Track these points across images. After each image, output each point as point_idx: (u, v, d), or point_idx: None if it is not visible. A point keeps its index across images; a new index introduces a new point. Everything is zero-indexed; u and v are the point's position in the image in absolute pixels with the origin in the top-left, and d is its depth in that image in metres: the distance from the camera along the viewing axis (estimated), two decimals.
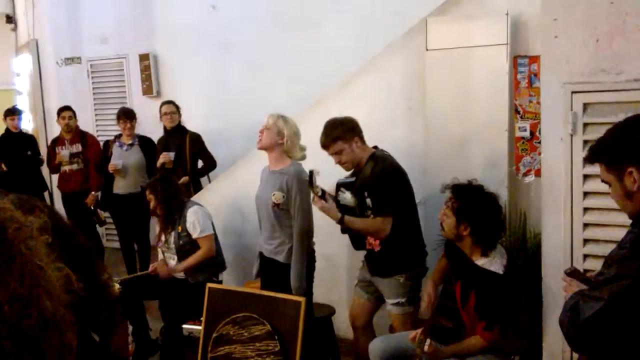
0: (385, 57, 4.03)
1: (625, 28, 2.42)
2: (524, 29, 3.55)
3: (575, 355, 2.54)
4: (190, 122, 5.35)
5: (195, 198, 4.39)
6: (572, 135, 2.56)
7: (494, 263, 2.70)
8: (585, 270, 2.32)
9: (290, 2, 5.61)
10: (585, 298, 1.74)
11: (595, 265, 2.33)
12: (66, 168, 5.52)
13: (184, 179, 4.87)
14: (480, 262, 2.73)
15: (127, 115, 5.21)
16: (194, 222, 3.83)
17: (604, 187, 1.89)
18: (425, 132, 3.81)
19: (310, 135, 3.29)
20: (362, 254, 3.34)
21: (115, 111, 5.38)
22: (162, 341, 3.81)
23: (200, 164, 5.13)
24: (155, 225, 4.12)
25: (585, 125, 2.54)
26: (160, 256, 4.11)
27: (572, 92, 2.54)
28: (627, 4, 2.42)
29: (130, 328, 3.88)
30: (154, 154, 5.08)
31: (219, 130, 5.85)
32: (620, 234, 1.86)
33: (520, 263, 3.18)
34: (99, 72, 6.78)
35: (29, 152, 6.09)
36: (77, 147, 5.53)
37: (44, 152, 6.19)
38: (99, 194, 5.44)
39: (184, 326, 3.94)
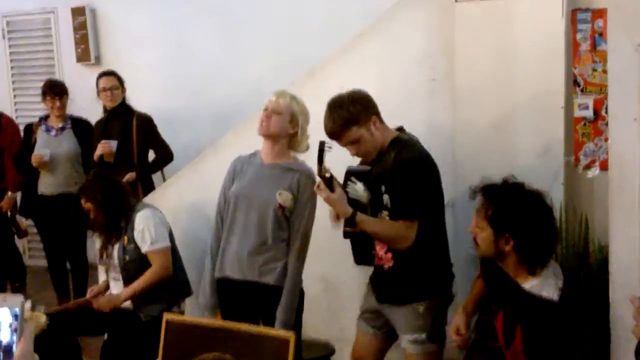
0: (400, 11, 4.03)
1: None
2: None
3: None
4: (140, 99, 5.33)
5: (147, 200, 4.38)
6: None
7: (545, 286, 2.69)
8: None
9: None
10: None
11: None
12: None
13: (129, 175, 4.86)
14: (528, 284, 2.72)
15: (55, 90, 5.18)
16: (143, 230, 3.82)
17: None
18: (453, 111, 3.81)
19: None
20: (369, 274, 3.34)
21: (40, 84, 5.36)
22: None
23: (151, 155, 5.13)
24: (95, 237, 4.11)
25: None
26: (102, 277, 4.09)
27: None
28: None
29: None
30: (92, 142, 5.07)
31: (178, 110, 5.85)
32: None
33: (580, 284, 3.19)
34: (18, 32, 6.75)
35: None
36: None
37: None
38: (18, 195, 5.41)
39: None
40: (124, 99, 5.12)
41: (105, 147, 4.91)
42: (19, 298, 1.35)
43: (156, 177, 5.21)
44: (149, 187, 4.99)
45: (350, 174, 3.14)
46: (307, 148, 3.40)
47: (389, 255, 3.11)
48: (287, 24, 5.56)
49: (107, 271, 4.01)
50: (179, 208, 4.48)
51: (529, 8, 3.59)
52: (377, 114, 3.12)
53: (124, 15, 6.26)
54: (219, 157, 4.26)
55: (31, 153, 5.10)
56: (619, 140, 2.67)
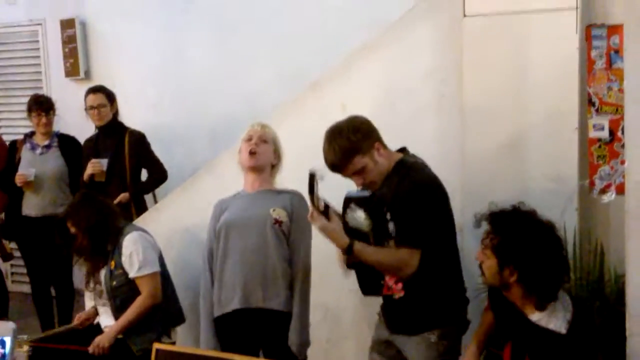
0: (408, 25, 4.04)
1: None
2: None
3: None
4: (133, 115, 5.37)
5: (138, 222, 4.39)
6: None
7: (553, 319, 2.71)
8: None
9: None
10: None
11: None
12: None
13: (122, 196, 4.86)
14: (535, 317, 2.74)
15: (42, 106, 5.21)
16: (130, 254, 3.82)
17: None
18: (462, 129, 3.81)
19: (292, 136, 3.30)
20: (376, 303, 3.35)
21: (26, 100, 5.38)
22: None
23: (144, 174, 5.15)
24: (80, 262, 4.12)
25: None
26: (89, 303, 4.09)
27: None
28: None
29: None
30: (81, 160, 5.08)
31: (173, 127, 5.86)
32: None
33: (595, 316, 3.19)
34: (3, 45, 6.80)
35: None
36: None
37: None
38: (2, 216, 5.42)
39: None
40: (115, 115, 5.12)
41: (95, 166, 4.90)
42: (10, 325, 1.37)
43: (147, 197, 5.20)
44: (142, 208, 4.98)
45: (349, 200, 3.03)
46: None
47: (399, 285, 3.09)
48: (288, 38, 5.56)
49: (95, 297, 4.01)
50: (172, 231, 4.46)
51: (541, 24, 3.59)
52: (380, 139, 3.08)
53: (115, 29, 6.26)
54: (215, 176, 4.27)
55: (15, 172, 5.11)
56: (636, 163, 2.68)
